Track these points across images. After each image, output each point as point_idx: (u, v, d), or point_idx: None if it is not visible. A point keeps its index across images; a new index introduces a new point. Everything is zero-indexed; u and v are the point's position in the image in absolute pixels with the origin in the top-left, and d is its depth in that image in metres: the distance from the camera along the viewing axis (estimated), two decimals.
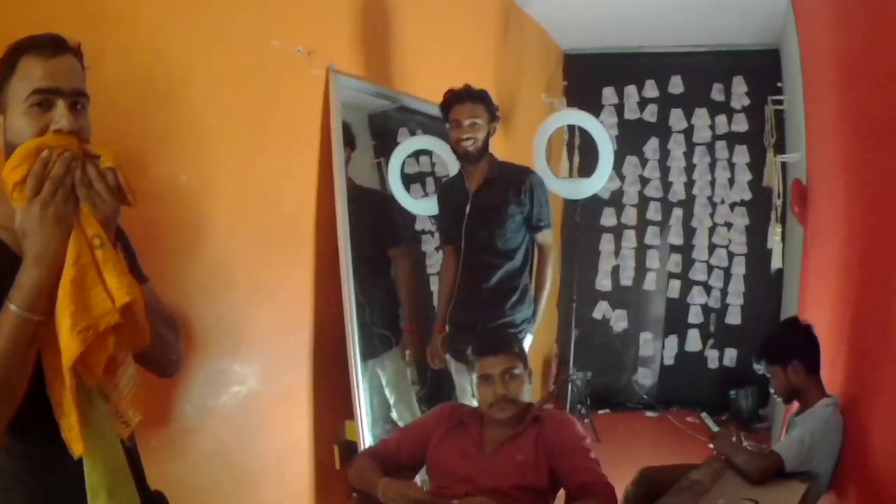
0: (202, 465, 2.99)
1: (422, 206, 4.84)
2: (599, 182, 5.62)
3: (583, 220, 7.05)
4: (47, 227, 1.53)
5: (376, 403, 4.26)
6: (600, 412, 6.93)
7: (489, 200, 3.94)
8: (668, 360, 7.42)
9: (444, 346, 4.20)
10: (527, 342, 4.02)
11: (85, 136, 1.65)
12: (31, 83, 1.59)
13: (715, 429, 3.64)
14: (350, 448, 3.88)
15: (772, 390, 3.46)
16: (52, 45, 1.61)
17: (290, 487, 3.55)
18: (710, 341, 7.36)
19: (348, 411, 3.83)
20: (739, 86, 7.22)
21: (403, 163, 4.79)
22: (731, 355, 7.27)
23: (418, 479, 3.29)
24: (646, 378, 7.42)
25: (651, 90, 7.40)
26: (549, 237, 4.13)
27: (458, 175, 4.16)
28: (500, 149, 5.67)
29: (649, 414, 7.15)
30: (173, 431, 2.84)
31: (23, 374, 1.53)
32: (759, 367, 3.45)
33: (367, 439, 3.86)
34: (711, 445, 3.34)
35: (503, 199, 3.93)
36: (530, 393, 3.07)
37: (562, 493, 2.93)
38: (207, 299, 3.00)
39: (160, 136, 2.76)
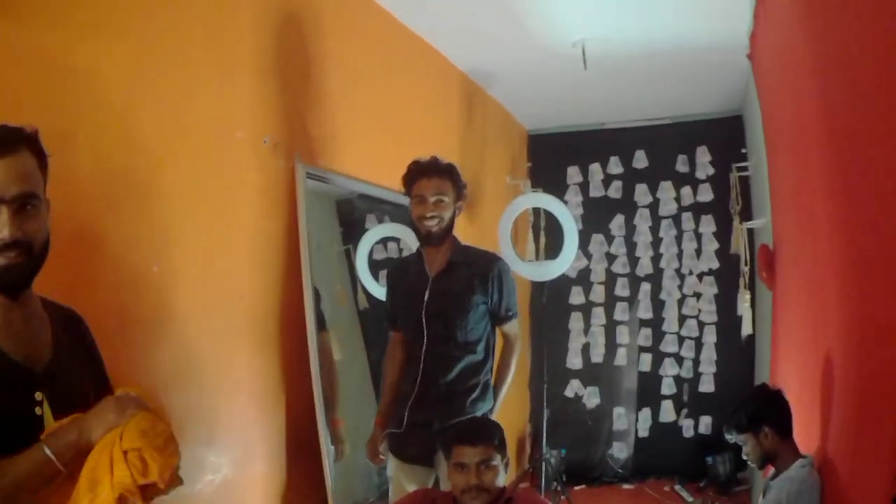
0: None
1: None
2: (565, 264, 5.73)
3: (550, 300, 7.09)
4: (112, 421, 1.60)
5: (361, 486, 4.26)
6: (576, 488, 6.90)
7: (451, 287, 3.64)
8: (643, 432, 7.42)
9: (384, 442, 3.79)
10: None
11: (37, 239, 1.62)
12: None
13: (690, 499, 3.68)
14: None
15: (745, 457, 3.47)
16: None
17: None
18: (684, 411, 7.37)
19: (321, 498, 3.83)
20: (703, 155, 7.33)
21: (371, 250, 4.83)
22: (706, 422, 7.28)
23: None
24: (621, 451, 7.40)
25: (615, 166, 7.50)
26: (515, 327, 3.87)
27: (416, 256, 3.80)
28: (465, 233, 5.73)
29: (625, 486, 7.13)
30: None
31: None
32: (731, 437, 3.48)
33: None
34: None
35: (467, 287, 3.64)
36: (504, 478, 3.06)
37: None
38: (179, 388, 3.00)
39: (131, 224, 2.78)
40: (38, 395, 1.66)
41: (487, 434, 3.07)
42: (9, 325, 1.65)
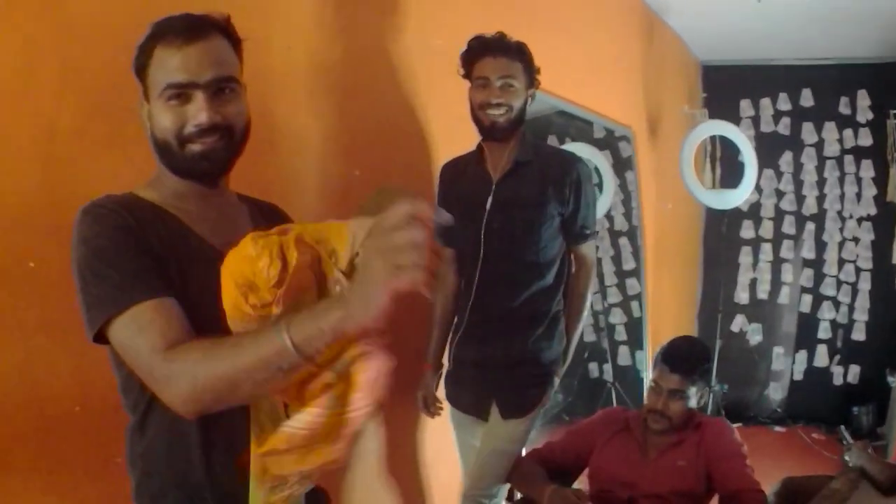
0: None
1: None
2: (745, 192, 5.62)
3: (726, 231, 6.99)
4: (382, 289, 1.24)
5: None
6: (733, 426, 6.82)
7: (520, 192, 2.96)
8: (798, 376, 7.31)
9: (440, 387, 3.25)
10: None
11: (237, 123, 1.55)
12: (165, 76, 1.49)
13: (851, 441, 3.58)
14: None
15: None
16: (186, 31, 1.49)
17: (445, 489, 3.54)
18: (837, 357, 7.22)
19: None
20: (863, 99, 7.13)
21: None
22: (854, 372, 7.14)
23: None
24: (776, 392, 7.31)
25: (784, 103, 7.31)
26: (592, 249, 3.17)
27: (476, 154, 3.09)
28: (647, 161, 5.71)
29: (777, 429, 7.04)
30: None
31: (258, 393, 1.42)
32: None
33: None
34: (846, 457, 3.27)
35: (540, 193, 2.96)
36: (694, 404, 3.00)
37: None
38: None
39: (335, 125, 2.81)
40: None
41: (688, 366, 2.97)
42: (205, 214, 1.60)
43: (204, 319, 1.43)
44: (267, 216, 1.74)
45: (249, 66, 1.64)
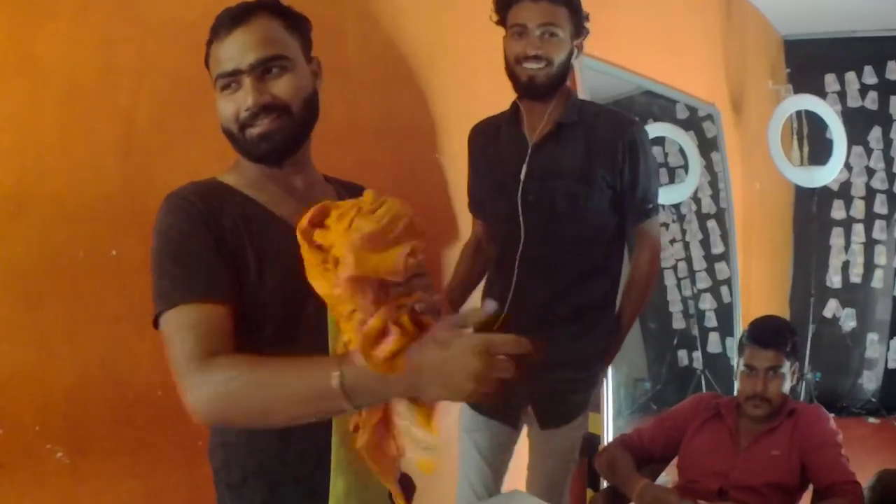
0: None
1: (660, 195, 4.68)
2: (835, 169, 5.46)
3: (816, 211, 6.72)
4: (462, 385, 1.25)
5: (623, 395, 4.11)
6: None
7: (562, 159, 2.52)
8: (893, 364, 6.94)
9: None
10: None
11: (294, 98, 1.55)
12: (216, 68, 1.54)
13: None
14: (591, 441, 3.81)
15: None
16: (229, 21, 1.53)
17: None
18: None
19: (592, 404, 3.74)
20: None
21: None
22: None
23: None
24: (870, 381, 6.97)
25: (870, 76, 6.98)
26: (656, 228, 2.72)
27: (509, 114, 2.64)
28: (732, 140, 5.53)
29: (871, 420, 6.72)
30: None
31: (287, 424, 1.40)
32: None
33: (610, 433, 3.82)
34: None
35: (586, 159, 2.50)
36: (789, 387, 2.89)
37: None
38: None
39: (405, 115, 2.81)
40: None
41: (781, 339, 2.88)
42: (286, 195, 1.62)
43: (286, 298, 1.48)
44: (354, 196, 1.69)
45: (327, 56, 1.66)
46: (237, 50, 1.50)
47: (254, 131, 1.53)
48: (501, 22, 2.52)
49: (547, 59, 2.42)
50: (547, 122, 2.53)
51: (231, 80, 1.51)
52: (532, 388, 2.57)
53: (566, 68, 2.50)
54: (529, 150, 2.52)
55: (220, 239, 1.47)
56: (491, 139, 2.68)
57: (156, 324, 1.44)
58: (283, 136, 1.55)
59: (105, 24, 1.99)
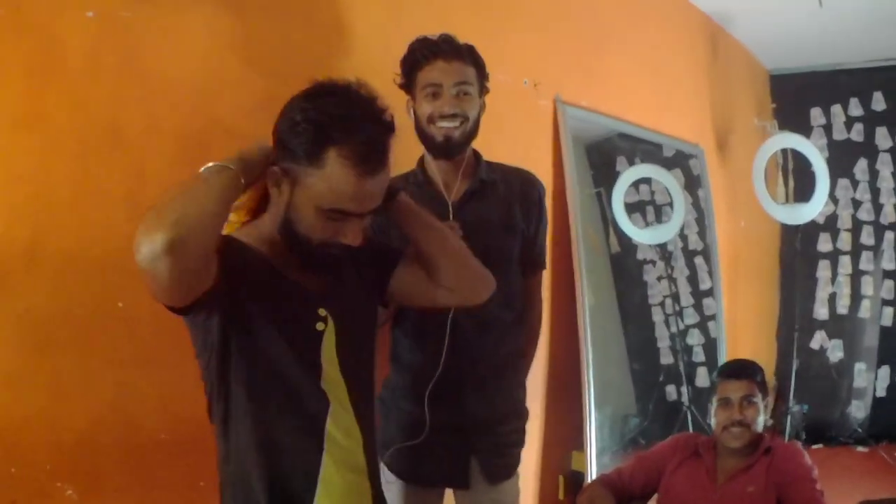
0: None
1: (645, 235, 4.76)
2: (818, 206, 5.51)
3: (801, 245, 6.81)
4: None
5: (606, 434, 4.18)
6: (813, 447, 6.65)
7: (488, 217, 2.53)
8: (881, 392, 7.01)
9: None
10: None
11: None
12: (322, 199, 1.58)
13: None
14: (575, 478, 3.88)
15: None
16: (376, 155, 1.58)
17: None
18: None
19: (576, 442, 3.81)
20: None
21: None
22: None
23: None
24: (859, 411, 7.02)
25: (856, 108, 7.09)
26: (541, 281, 2.84)
27: (420, 175, 2.59)
28: (718, 178, 5.64)
29: (860, 448, 6.77)
30: None
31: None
32: None
33: (594, 470, 3.85)
34: None
35: (509, 216, 2.58)
36: (762, 424, 3.00)
37: None
38: None
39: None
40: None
41: (751, 371, 3.08)
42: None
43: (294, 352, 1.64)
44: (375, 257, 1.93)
45: None
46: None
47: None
48: (407, 85, 2.50)
49: (463, 117, 2.43)
50: (463, 180, 2.55)
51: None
52: (478, 445, 2.56)
53: (478, 125, 2.51)
54: (451, 208, 2.49)
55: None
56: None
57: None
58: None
59: (113, 82, 2.06)
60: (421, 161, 2.60)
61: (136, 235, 1.39)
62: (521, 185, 2.63)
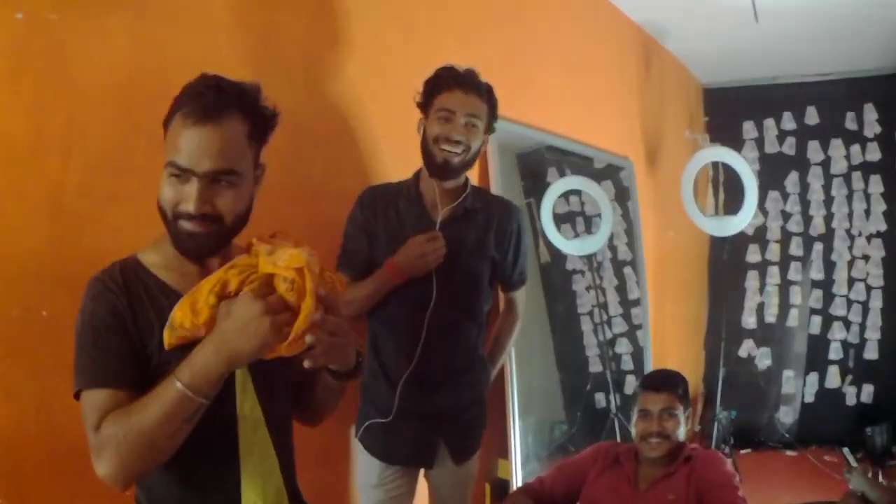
0: None
1: (574, 247, 4.82)
2: (745, 219, 5.61)
3: (730, 257, 6.85)
4: (253, 332, 1.46)
5: (531, 441, 4.24)
6: (742, 451, 6.78)
7: (467, 240, 2.84)
8: (809, 398, 7.24)
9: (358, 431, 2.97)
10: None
11: (229, 212, 1.60)
12: (171, 152, 1.56)
13: (854, 464, 3.55)
14: (501, 486, 3.91)
15: None
16: (199, 113, 1.54)
17: None
18: (849, 377, 7.18)
19: (501, 450, 3.84)
20: (870, 113, 7.11)
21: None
22: (868, 391, 7.10)
23: None
24: (787, 416, 7.22)
25: (788, 122, 7.29)
26: (523, 295, 3.20)
27: (408, 189, 2.87)
28: (645, 187, 5.71)
29: (788, 453, 6.95)
30: None
31: (173, 445, 1.51)
32: None
33: (519, 478, 3.88)
34: (848, 479, 3.27)
35: (484, 243, 2.90)
36: (683, 434, 3.05)
37: None
38: None
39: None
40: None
41: (672, 383, 3.11)
42: (203, 276, 1.64)
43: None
44: None
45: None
46: (195, 149, 1.54)
47: (186, 226, 1.57)
48: (425, 105, 2.74)
49: (466, 146, 2.67)
50: (451, 203, 2.81)
51: (182, 173, 1.54)
52: (446, 429, 2.91)
53: (476, 157, 2.77)
54: (438, 227, 2.76)
55: (134, 323, 1.58)
56: (390, 206, 2.84)
57: (77, 395, 1.58)
58: (209, 242, 1.61)
59: (36, 88, 2.03)
60: (417, 175, 2.86)
61: (90, 449, 1.52)
62: (499, 216, 2.93)
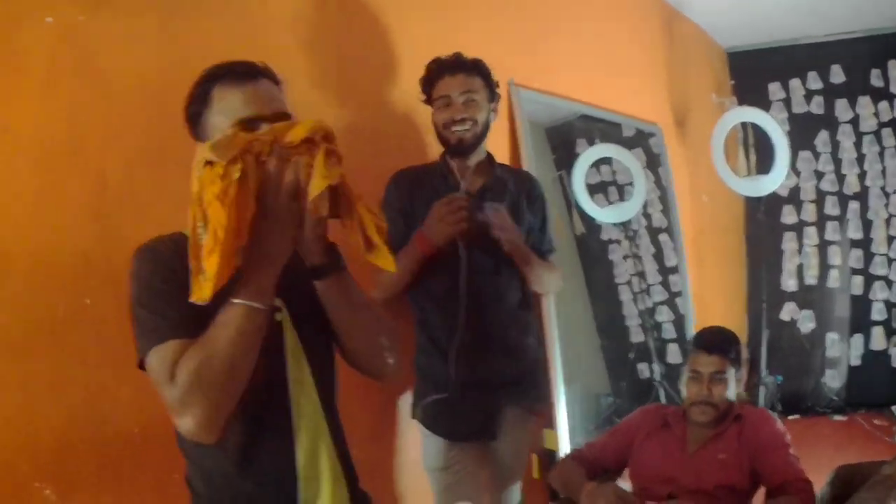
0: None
1: (608, 215, 4.81)
2: (779, 177, 5.55)
3: (765, 218, 6.83)
4: (281, 231, 1.56)
5: (577, 412, 4.24)
6: (789, 418, 6.68)
7: (501, 204, 2.96)
8: (855, 361, 7.09)
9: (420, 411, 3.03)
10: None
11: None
12: (231, 114, 1.63)
13: None
14: (549, 457, 3.90)
15: None
16: (245, 72, 1.65)
17: None
18: (894, 338, 7.00)
19: (547, 420, 3.84)
20: (895, 69, 6.98)
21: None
22: None
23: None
24: (833, 380, 7.08)
25: (814, 82, 7.15)
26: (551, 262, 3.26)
27: (439, 168, 3.05)
28: (677, 155, 5.69)
29: (837, 417, 6.82)
30: None
31: (250, 363, 1.55)
32: None
33: (566, 448, 3.87)
34: None
35: (518, 208, 3.03)
36: (734, 394, 3.04)
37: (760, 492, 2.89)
38: None
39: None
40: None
41: (724, 345, 3.07)
42: None
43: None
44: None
45: None
46: (261, 98, 1.65)
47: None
48: (428, 100, 3.00)
49: (472, 120, 2.90)
50: (479, 177, 3.02)
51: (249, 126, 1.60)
52: (507, 397, 3.01)
53: (487, 127, 2.98)
54: (473, 199, 2.89)
55: (185, 280, 1.56)
56: (424, 185, 2.98)
57: (141, 364, 1.59)
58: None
59: (71, 92, 2.08)
60: (444, 156, 3.05)
61: (170, 406, 1.52)
62: (525, 182, 3.16)
